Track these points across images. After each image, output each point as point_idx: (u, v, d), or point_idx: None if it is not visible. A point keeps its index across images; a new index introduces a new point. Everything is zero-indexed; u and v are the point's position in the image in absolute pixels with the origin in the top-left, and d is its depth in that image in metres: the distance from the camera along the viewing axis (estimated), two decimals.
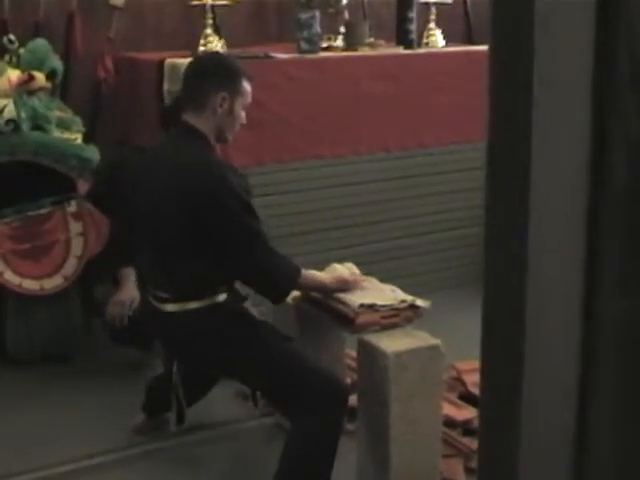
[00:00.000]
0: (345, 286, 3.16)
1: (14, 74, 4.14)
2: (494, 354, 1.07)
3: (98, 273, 4.18)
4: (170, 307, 3.03)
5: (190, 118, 3.05)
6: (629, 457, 1.03)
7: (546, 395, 1.03)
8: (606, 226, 1.00)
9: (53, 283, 4.10)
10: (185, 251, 2.98)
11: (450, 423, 3.33)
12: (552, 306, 1.03)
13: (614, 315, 1.02)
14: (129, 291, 3.74)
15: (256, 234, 2.94)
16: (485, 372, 1.08)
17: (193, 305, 3.00)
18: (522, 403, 1.01)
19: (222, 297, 3.03)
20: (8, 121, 4.00)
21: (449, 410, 3.35)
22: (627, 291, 1.01)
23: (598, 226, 1.01)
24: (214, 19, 4.70)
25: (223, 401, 3.70)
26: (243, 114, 3.11)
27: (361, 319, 3.03)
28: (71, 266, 4.12)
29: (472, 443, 3.22)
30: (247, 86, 3.10)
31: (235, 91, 3.05)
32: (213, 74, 3.06)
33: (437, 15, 5.36)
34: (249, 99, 3.13)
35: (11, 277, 4.05)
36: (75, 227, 4.14)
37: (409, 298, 3.13)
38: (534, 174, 0.99)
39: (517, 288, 1.01)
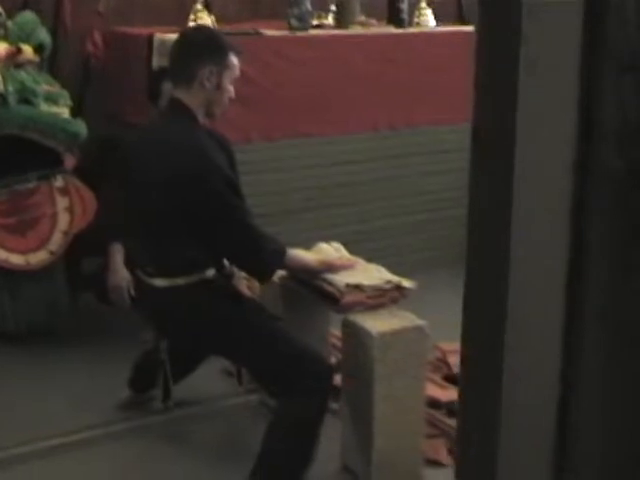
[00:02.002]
0: (331, 269, 3.16)
1: (1, 47, 4.11)
2: (475, 341, 1.07)
3: (86, 247, 4.16)
4: (159, 282, 3.04)
5: (179, 94, 3.04)
6: (609, 449, 1.03)
7: (527, 388, 1.03)
8: (590, 214, 1.00)
9: (39, 258, 4.09)
10: (172, 230, 2.98)
11: (434, 404, 3.34)
12: (534, 296, 1.02)
13: (597, 307, 1.02)
14: (121, 273, 3.65)
15: (242, 214, 2.95)
16: (466, 360, 1.09)
17: (181, 280, 3.00)
18: (503, 393, 1.01)
19: (210, 273, 3.03)
20: None
21: (433, 391, 3.36)
22: (611, 283, 1.01)
23: (583, 214, 1.01)
24: None
25: (209, 378, 3.70)
26: (231, 88, 3.10)
27: (347, 299, 3.04)
28: (57, 241, 4.10)
29: (456, 424, 3.23)
30: (235, 60, 3.08)
31: (223, 65, 3.04)
32: (200, 49, 3.04)
33: None
34: (237, 73, 3.11)
35: None
36: (62, 202, 4.12)
37: (395, 279, 3.14)
38: (518, 159, 0.99)
39: (499, 277, 1.01)
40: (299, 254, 3.21)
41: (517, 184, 1.00)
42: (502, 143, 1.01)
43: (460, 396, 1.16)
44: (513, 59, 0.97)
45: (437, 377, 3.58)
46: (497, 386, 1.02)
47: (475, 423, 1.09)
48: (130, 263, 3.51)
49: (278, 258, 3.02)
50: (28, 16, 4.30)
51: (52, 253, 4.10)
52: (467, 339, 1.09)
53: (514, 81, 0.97)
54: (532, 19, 0.95)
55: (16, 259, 4.06)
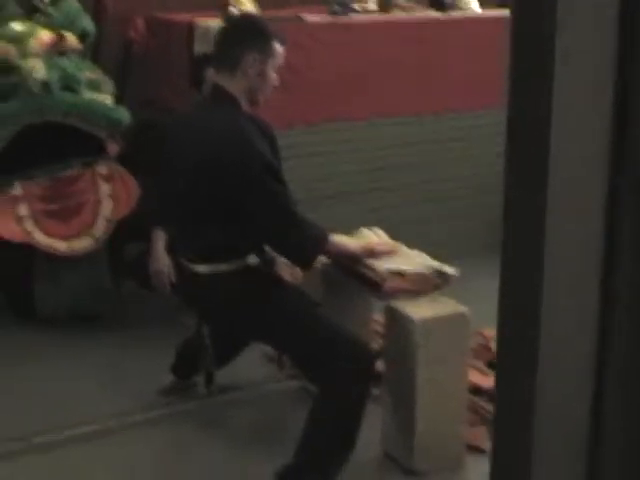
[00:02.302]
0: (372, 255, 3.15)
1: (45, 34, 4.14)
2: (511, 328, 1.06)
3: (129, 233, 4.19)
4: (201, 269, 3.05)
5: (222, 80, 3.04)
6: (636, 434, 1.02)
7: (561, 374, 1.01)
8: (619, 205, 0.98)
9: (82, 244, 4.12)
10: (214, 216, 2.99)
11: (476, 390, 3.32)
12: (569, 282, 1.01)
13: (625, 300, 1.00)
14: (163, 259, 3.66)
15: (283, 200, 2.94)
16: (501, 346, 1.07)
17: (224, 267, 3.01)
18: (537, 379, 1.00)
19: (252, 259, 3.04)
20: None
21: (475, 377, 3.35)
22: (636, 275, 0.99)
23: (615, 203, 0.99)
24: None
25: (250, 363, 3.71)
26: (275, 76, 3.10)
27: (388, 285, 3.03)
28: (100, 227, 4.13)
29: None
30: (279, 48, 3.08)
31: (266, 53, 3.03)
32: (245, 36, 3.04)
33: None
34: (281, 61, 3.11)
35: (40, 237, 4.07)
36: (105, 189, 4.15)
37: (437, 265, 3.12)
38: (554, 149, 0.97)
39: (534, 265, 1.00)
40: (341, 240, 3.20)
41: (552, 174, 0.99)
42: (537, 130, 0.99)
43: (496, 380, 1.16)
44: (548, 46, 0.95)
45: (479, 363, 3.56)
46: (531, 373, 1.01)
47: (509, 407, 1.09)
48: (172, 249, 3.53)
49: (320, 244, 3.02)
50: (71, 3, 4.33)
51: (95, 240, 4.13)
52: (503, 325, 1.08)
53: (549, 68, 0.95)
54: (567, 5, 0.93)
55: (59, 245, 4.09)
